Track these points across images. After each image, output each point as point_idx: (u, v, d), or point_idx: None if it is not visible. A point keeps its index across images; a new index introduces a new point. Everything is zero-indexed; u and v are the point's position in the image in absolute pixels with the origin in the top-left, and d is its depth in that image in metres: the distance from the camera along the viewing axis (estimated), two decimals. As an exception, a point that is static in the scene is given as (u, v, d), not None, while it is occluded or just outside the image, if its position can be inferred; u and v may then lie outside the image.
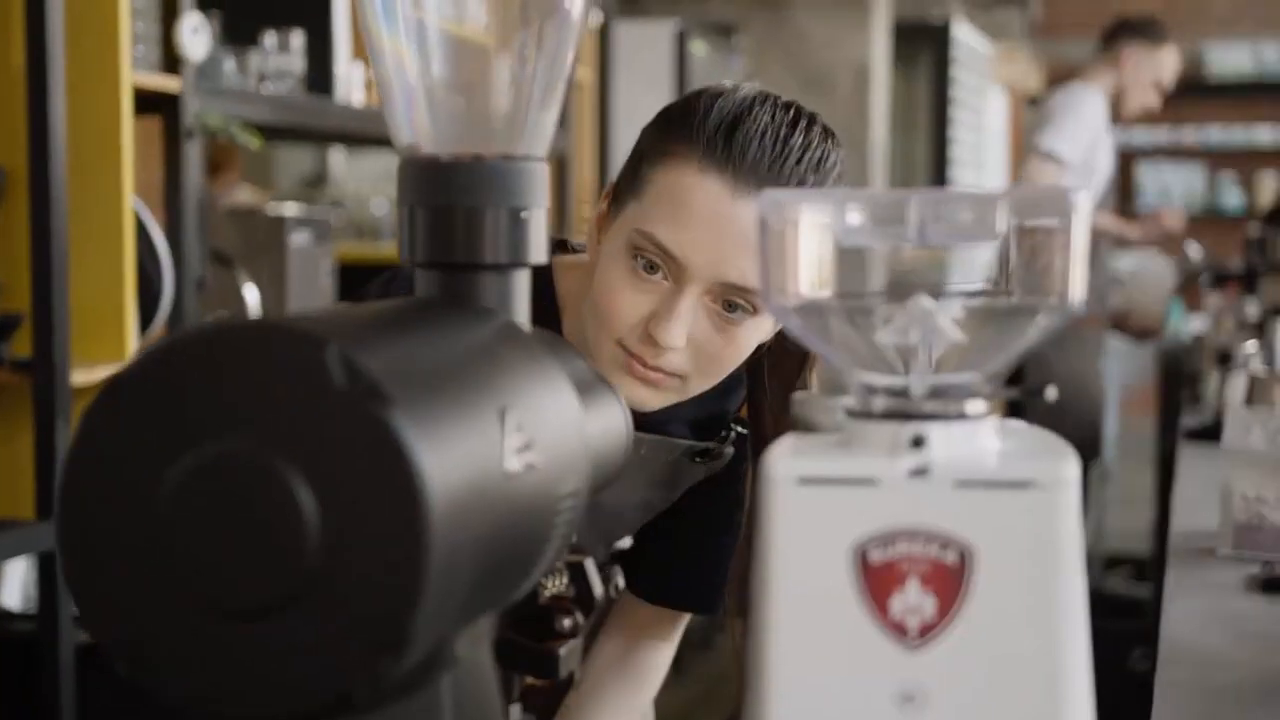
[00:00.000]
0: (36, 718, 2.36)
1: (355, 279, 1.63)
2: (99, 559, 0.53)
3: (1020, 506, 0.62)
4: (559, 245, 1.36)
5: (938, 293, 0.66)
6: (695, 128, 1.15)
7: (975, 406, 0.64)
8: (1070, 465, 0.62)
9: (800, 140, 1.16)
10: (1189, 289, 5.05)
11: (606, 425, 0.72)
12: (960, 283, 0.73)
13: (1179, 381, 4.22)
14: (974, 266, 0.76)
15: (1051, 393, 0.67)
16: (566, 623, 0.74)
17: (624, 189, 1.20)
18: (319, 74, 3.18)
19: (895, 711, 0.62)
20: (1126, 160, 8.22)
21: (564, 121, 4.11)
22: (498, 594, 0.61)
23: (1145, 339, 4.91)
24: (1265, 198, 8.33)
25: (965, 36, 6.83)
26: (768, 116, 1.16)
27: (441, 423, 0.53)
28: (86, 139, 2.44)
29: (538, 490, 0.60)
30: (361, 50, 3.21)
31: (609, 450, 0.72)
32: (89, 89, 2.44)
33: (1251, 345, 2.73)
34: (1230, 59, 8.69)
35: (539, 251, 0.67)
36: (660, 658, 1.46)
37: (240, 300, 2.97)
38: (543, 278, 0.91)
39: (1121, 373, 5.37)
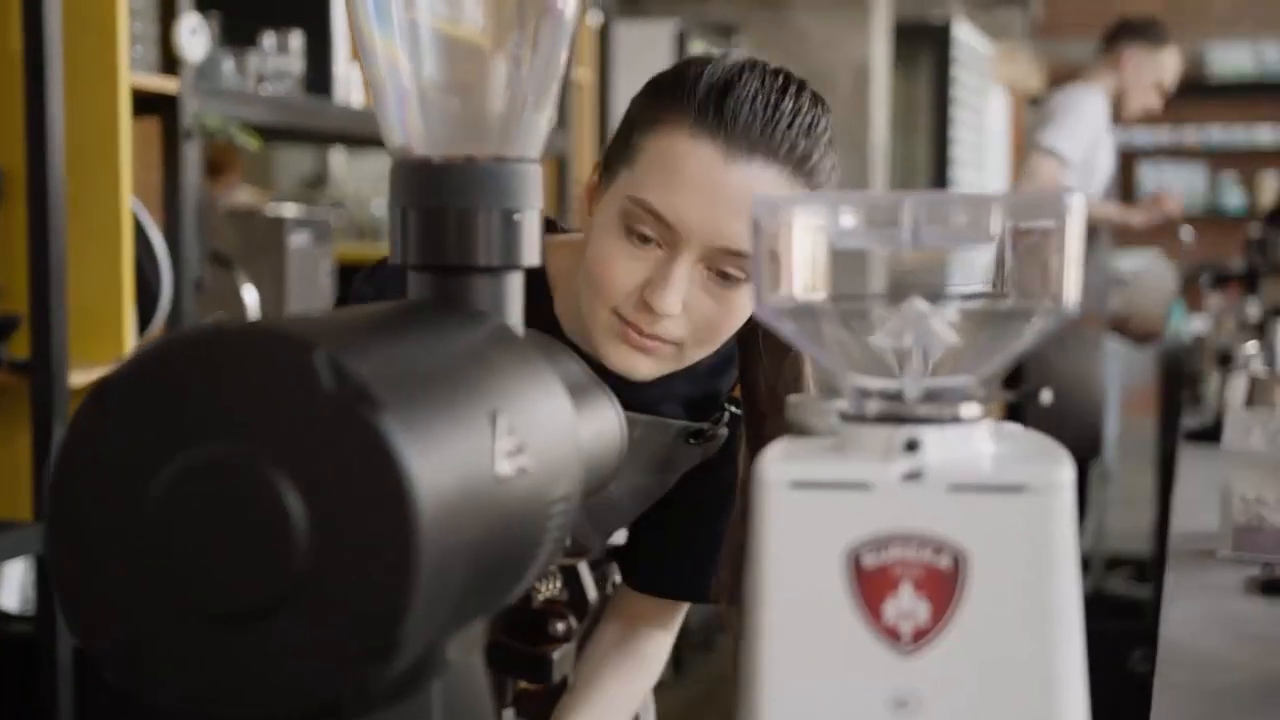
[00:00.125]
0: (34, 719, 2.36)
1: (355, 280, 1.63)
2: (87, 561, 0.53)
3: (1014, 511, 0.61)
4: (548, 225, 1.36)
5: (935, 295, 0.65)
6: (686, 94, 1.15)
7: (969, 410, 0.64)
8: (1064, 469, 0.62)
9: (791, 105, 1.16)
10: (1190, 289, 5.04)
11: (600, 428, 0.72)
12: (960, 285, 0.73)
13: (1179, 382, 4.21)
14: (974, 269, 0.75)
15: (1046, 396, 0.66)
16: (560, 627, 0.74)
17: (615, 158, 1.20)
18: (318, 75, 3.18)
19: (889, 717, 0.62)
20: (1128, 160, 8.22)
21: (564, 122, 4.15)
22: (489, 598, 0.60)
23: (1145, 343, 4.90)
24: (1266, 198, 8.33)
25: (966, 36, 6.83)
26: (757, 82, 1.15)
27: (431, 426, 0.53)
28: (85, 140, 2.44)
29: (529, 494, 0.60)
30: (360, 51, 3.20)
31: (602, 453, 0.72)
32: (87, 90, 2.44)
33: (1252, 346, 2.72)
34: (1231, 59, 8.68)
35: (532, 253, 0.67)
36: (659, 646, 1.46)
37: (239, 301, 2.97)
38: None
39: (1122, 373, 5.36)
